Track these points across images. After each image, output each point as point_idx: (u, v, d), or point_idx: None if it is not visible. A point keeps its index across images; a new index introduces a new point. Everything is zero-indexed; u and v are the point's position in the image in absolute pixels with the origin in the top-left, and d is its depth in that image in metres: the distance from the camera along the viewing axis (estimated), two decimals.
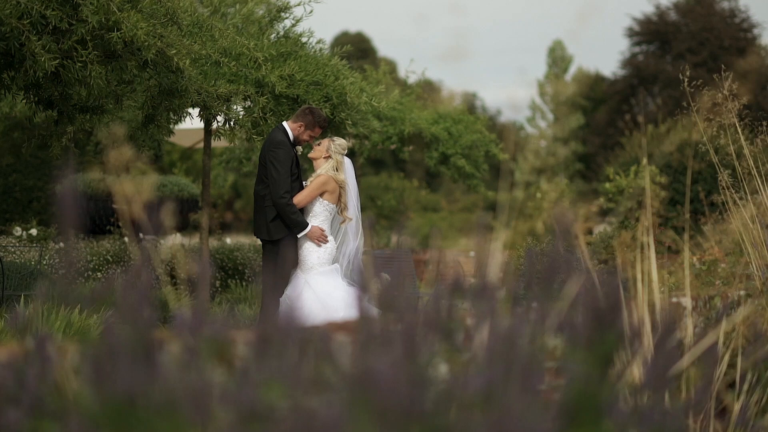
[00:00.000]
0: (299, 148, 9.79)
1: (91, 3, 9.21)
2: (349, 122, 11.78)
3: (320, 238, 9.46)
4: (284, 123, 9.74)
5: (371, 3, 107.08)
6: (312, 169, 9.96)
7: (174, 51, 9.76)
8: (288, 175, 9.43)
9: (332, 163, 9.66)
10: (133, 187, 3.02)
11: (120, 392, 1.96)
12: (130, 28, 9.29)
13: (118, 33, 9.29)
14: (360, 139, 18.50)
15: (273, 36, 12.54)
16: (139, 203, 3.01)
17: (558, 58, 60.84)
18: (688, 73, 6.43)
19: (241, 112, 11.65)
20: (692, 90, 6.48)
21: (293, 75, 11.42)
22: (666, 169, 22.04)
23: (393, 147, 19.50)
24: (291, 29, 12.55)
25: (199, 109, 11.78)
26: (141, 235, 16.72)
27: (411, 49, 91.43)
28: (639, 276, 3.58)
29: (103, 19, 9.26)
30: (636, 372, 2.59)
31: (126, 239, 16.30)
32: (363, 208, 27.63)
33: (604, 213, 19.45)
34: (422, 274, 20.79)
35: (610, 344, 2.09)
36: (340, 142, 9.76)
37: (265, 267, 9.72)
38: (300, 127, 9.61)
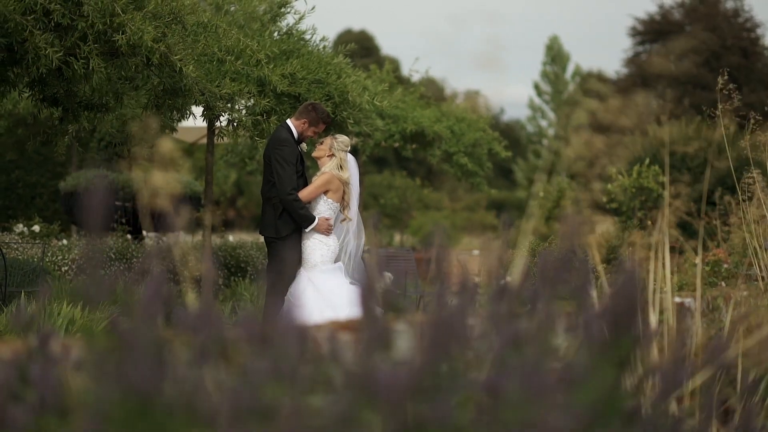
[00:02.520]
0: (303, 146, 9.80)
1: (95, 3, 9.22)
2: (351, 121, 11.78)
3: (328, 230, 9.49)
4: (288, 121, 9.74)
5: (374, 1, 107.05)
6: (315, 167, 9.96)
7: (178, 57, 9.77)
8: (294, 173, 9.45)
9: (336, 161, 9.66)
10: (160, 184, 3.02)
11: (128, 391, 1.96)
12: (136, 31, 9.30)
13: (123, 36, 9.29)
14: (363, 138, 18.49)
15: (276, 33, 12.52)
16: (165, 199, 3.00)
17: (556, 56, 60.77)
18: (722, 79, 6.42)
19: (243, 112, 11.64)
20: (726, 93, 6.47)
21: (295, 73, 11.42)
22: (669, 170, 22.01)
23: (396, 145, 19.49)
24: (294, 26, 12.53)
25: (202, 109, 11.78)
26: (144, 233, 16.65)
27: (415, 49, 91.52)
28: (651, 277, 3.57)
29: (108, 21, 9.28)
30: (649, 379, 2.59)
31: (128, 237, 16.29)
32: (365, 207, 27.65)
33: (606, 211, 19.44)
34: (425, 272, 20.78)
35: (625, 347, 2.08)
36: (343, 140, 9.76)
37: (270, 265, 9.74)
38: (304, 124, 9.62)
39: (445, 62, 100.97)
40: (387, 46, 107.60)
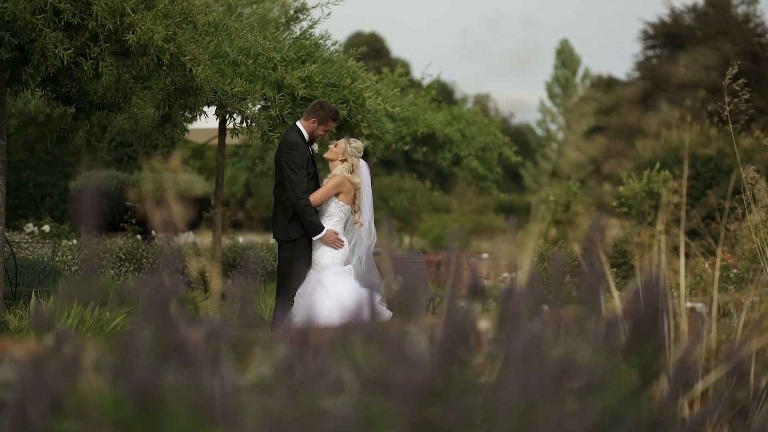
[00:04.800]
0: (315, 147, 9.80)
1: (105, 3, 9.23)
2: (365, 124, 11.80)
3: (335, 243, 9.48)
4: (297, 123, 9.75)
5: (385, 4, 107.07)
6: (327, 169, 9.96)
7: (188, 57, 9.77)
8: (305, 176, 9.46)
9: (348, 165, 9.67)
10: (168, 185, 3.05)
11: (143, 392, 1.97)
12: (146, 31, 9.31)
13: (134, 36, 9.30)
14: (373, 140, 18.50)
15: (290, 38, 12.53)
16: (169, 201, 3.02)
17: (567, 60, 60.66)
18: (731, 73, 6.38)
19: (257, 112, 11.63)
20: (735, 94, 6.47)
21: (311, 77, 11.43)
22: (680, 174, 21.98)
23: (407, 148, 19.49)
24: (308, 31, 12.54)
25: (215, 107, 11.78)
26: (153, 233, 16.63)
27: (430, 51, 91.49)
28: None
29: (118, 21, 9.29)
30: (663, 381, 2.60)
31: (138, 237, 16.30)
32: (375, 209, 27.66)
33: (616, 214, 19.40)
34: (433, 275, 20.78)
35: (648, 353, 2.09)
36: (357, 145, 9.75)
37: (281, 267, 9.74)
38: (313, 123, 9.63)
39: (454, 64, 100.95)
40: (397, 48, 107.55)
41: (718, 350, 3.59)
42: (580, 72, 61.12)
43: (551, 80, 61.17)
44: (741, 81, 6.49)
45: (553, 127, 61.49)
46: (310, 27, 12.54)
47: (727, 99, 6.46)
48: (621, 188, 18.95)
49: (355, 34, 60.41)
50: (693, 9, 47.37)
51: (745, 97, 6.49)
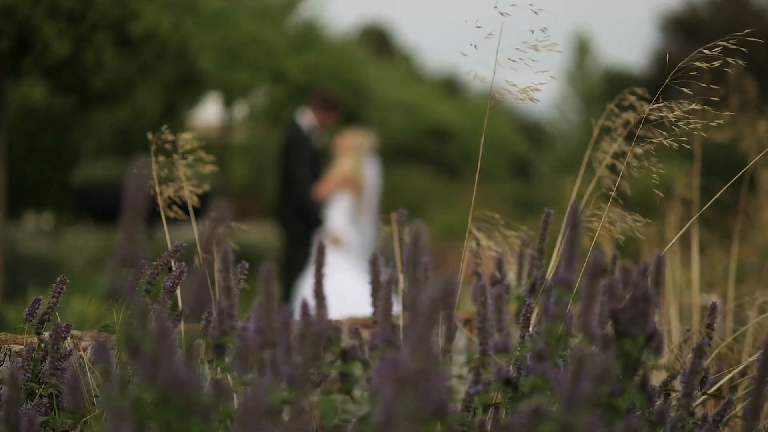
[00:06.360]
0: (317, 139, 9.78)
1: None
2: (369, 113, 11.77)
3: (337, 242, 9.49)
4: (297, 119, 9.71)
5: None
6: (330, 162, 9.97)
7: (195, 42, 9.72)
8: (309, 171, 9.46)
9: (355, 160, 9.65)
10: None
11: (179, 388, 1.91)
12: (152, 21, 9.26)
13: (139, 24, 9.25)
14: (383, 126, 18.49)
15: (293, 22, 12.48)
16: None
17: (580, 50, 60.44)
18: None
19: (260, 102, 11.63)
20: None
21: (314, 66, 11.39)
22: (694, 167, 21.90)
23: (414, 139, 19.46)
24: (311, 17, 12.49)
25: (220, 95, 11.74)
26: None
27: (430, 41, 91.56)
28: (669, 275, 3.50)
29: (121, 11, 9.25)
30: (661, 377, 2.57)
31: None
32: (383, 202, 27.65)
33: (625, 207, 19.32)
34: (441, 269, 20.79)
35: (636, 345, 2.05)
36: (364, 141, 9.75)
37: (285, 261, 9.76)
38: (319, 113, 9.59)
39: (464, 56, 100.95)
40: (403, 38, 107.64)
41: (732, 346, 3.53)
42: (594, 63, 60.89)
43: (564, 70, 60.94)
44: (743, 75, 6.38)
45: (567, 117, 61.26)
46: (313, 12, 12.49)
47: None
48: (632, 175, 18.94)
49: (360, 25, 60.35)
50: (713, 3, 47.22)
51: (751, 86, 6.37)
